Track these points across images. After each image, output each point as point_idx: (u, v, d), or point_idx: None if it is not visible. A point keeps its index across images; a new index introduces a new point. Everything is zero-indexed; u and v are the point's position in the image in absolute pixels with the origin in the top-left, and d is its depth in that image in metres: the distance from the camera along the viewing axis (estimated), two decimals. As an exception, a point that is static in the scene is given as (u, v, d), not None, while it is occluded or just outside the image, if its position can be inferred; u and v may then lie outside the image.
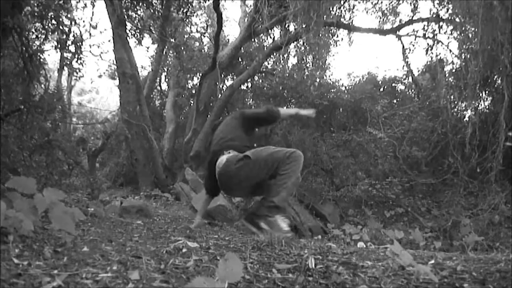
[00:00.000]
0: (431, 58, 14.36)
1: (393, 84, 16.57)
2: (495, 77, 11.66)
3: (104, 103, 36.90)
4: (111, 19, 13.07)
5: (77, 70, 14.64)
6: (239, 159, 4.28)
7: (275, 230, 3.89)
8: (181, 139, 16.77)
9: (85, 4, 15.91)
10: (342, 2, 15.03)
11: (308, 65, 18.34)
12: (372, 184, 10.81)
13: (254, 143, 4.81)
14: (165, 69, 20.88)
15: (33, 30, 11.29)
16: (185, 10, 15.69)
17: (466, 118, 12.16)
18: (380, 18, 17.13)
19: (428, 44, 14.26)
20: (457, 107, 12.56)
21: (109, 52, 21.34)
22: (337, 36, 17.61)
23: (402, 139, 11.77)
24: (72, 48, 13.55)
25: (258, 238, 3.31)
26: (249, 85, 19.32)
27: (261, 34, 16.89)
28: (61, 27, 11.35)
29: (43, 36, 11.70)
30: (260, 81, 19.24)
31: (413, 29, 15.31)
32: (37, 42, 11.74)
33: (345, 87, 16.50)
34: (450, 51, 13.62)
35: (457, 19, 12.13)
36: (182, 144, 15.27)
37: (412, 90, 16.56)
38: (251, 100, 19.97)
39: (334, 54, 19.78)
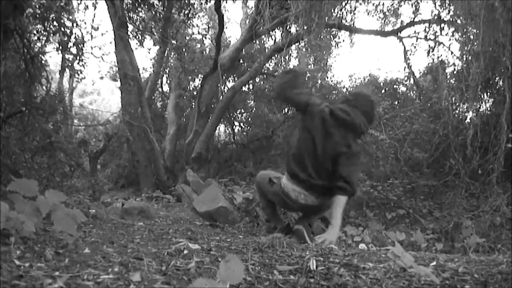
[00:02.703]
0: (433, 60, 14.35)
1: (395, 86, 16.59)
2: (497, 79, 11.67)
3: (105, 105, 36.93)
4: (113, 20, 13.08)
5: (79, 72, 14.68)
6: None
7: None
8: (182, 141, 16.79)
9: (87, 6, 15.90)
10: (343, 4, 15.03)
11: (309, 66, 18.35)
12: (373, 186, 10.80)
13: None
14: (167, 71, 20.90)
15: (35, 32, 11.29)
16: (186, 12, 15.70)
17: (468, 120, 12.14)
18: (382, 19, 17.13)
19: (429, 45, 14.26)
20: (458, 108, 12.56)
21: (111, 53, 21.39)
22: (339, 38, 17.62)
23: (404, 140, 11.77)
24: (73, 50, 13.58)
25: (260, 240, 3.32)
26: (251, 86, 19.37)
27: (263, 36, 16.92)
28: (62, 29, 11.36)
29: (45, 38, 11.71)
30: (262, 82, 19.30)
31: (415, 31, 15.33)
32: (39, 44, 11.75)
33: (347, 89, 16.52)
34: (452, 52, 13.61)
35: (459, 21, 12.12)
36: (183, 145, 15.28)
37: (414, 92, 16.57)
38: (252, 101, 20.01)
39: (335, 55, 19.81)
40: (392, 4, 16.59)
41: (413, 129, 12.12)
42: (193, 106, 17.45)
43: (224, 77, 17.14)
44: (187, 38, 18.20)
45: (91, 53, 25.15)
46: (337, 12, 14.73)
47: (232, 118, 20.03)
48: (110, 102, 37.88)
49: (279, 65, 19.12)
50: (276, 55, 17.23)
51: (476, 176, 10.62)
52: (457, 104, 12.41)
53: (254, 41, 16.96)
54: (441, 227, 9.29)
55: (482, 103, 12.30)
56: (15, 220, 2.13)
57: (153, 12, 15.04)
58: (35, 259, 2.00)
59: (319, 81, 17.59)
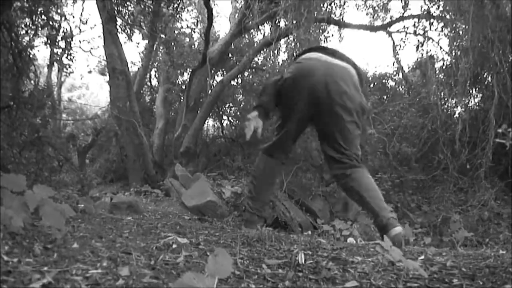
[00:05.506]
0: (422, 55, 14.39)
1: (383, 80, 16.59)
2: (485, 74, 11.71)
3: (94, 99, 36.77)
4: (101, 14, 13.00)
5: (67, 66, 14.64)
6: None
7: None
8: (171, 135, 16.76)
9: (75, -1, 15.85)
10: (332, -2, 15.03)
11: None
12: (362, 180, 10.79)
13: None
14: (155, 65, 20.85)
15: (23, 25, 11.24)
16: (175, 6, 15.65)
17: (456, 115, 12.20)
18: (371, 14, 17.13)
19: (418, 40, 14.30)
20: (447, 103, 12.60)
21: (99, 47, 21.29)
22: (328, 32, 17.56)
23: (392, 135, 11.79)
24: (62, 43, 13.55)
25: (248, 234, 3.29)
26: (239, 81, 19.34)
27: (252, 30, 16.88)
28: (51, 23, 11.32)
29: (33, 32, 11.67)
30: (250, 77, 19.26)
31: (404, 26, 15.41)
32: (27, 38, 11.71)
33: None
34: (441, 48, 13.68)
35: (448, 16, 12.18)
36: (172, 140, 15.25)
37: (403, 87, 16.59)
38: (241, 96, 19.98)
39: (324, 50, 19.73)
40: (382, -1, 16.62)
41: (401, 123, 12.14)
42: (182, 100, 17.42)
43: (212, 71, 17.10)
44: (175, 32, 18.15)
45: (80, 47, 25.01)
46: (326, 6, 14.74)
47: (221, 112, 19.98)
48: (98, 96, 37.76)
49: (268, 59, 19.11)
50: (265, 49, 17.20)
51: (465, 170, 10.67)
52: (446, 99, 12.45)
53: (243, 35, 16.93)
54: (430, 221, 9.34)
55: (470, 98, 12.36)
56: (3, 215, 2.11)
57: (142, 6, 14.98)
58: (24, 255, 1.99)
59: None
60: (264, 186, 4.49)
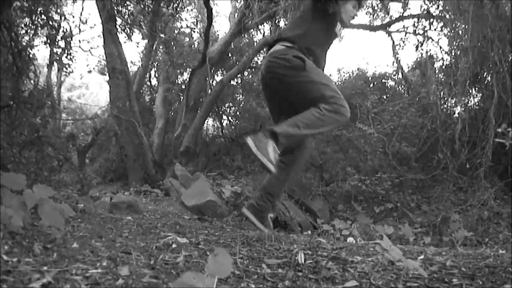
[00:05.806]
0: (421, 55, 14.40)
1: (383, 80, 16.59)
2: (485, 74, 11.71)
3: (94, 98, 36.73)
4: (101, 14, 13.01)
5: (67, 66, 14.61)
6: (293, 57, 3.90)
7: (259, 149, 3.50)
8: (171, 135, 16.77)
9: (75, -1, 15.83)
10: (332, -2, 15.01)
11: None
12: (361, 180, 10.80)
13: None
14: (155, 65, 20.85)
15: (22, 25, 11.23)
16: (175, 6, 15.63)
17: (456, 115, 12.21)
18: (371, 14, 17.13)
19: (418, 40, 14.32)
20: (447, 103, 12.61)
21: (99, 47, 21.30)
22: (327, 32, 17.57)
23: (392, 135, 11.79)
24: (61, 43, 13.52)
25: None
26: (239, 80, 19.32)
27: (251, 30, 16.88)
28: (50, 22, 11.32)
29: (33, 32, 11.66)
30: (250, 76, 19.23)
31: (404, 26, 15.42)
32: (27, 38, 11.69)
33: (335, 83, 16.51)
34: (440, 47, 13.69)
35: (448, 16, 12.18)
36: (172, 139, 15.26)
37: (402, 86, 16.60)
38: (241, 95, 19.96)
39: (323, 50, 19.69)
40: (381, -1, 16.62)
41: (401, 123, 12.15)
42: (182, 100, 17.44)
43: (212, 71, 17.11)
44: (175, 31, 18.15)
45: (79, 46, 24.99)
46: (326, 6, 14.74)
47: (221, 112, 19.96)
48: (98, 96, 37.74)
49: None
50: (265, 49, 17.19)
51: (464, 170, 10.67)
52: (446, 98, 12.46)
53: (242, 35, 16.93)
54: (429, 221, 9.34)
55: (470, 98, 12.37)
56: (3, 215, 2.11)
57: (142, 6, 14.96)
58: (23, 254, 1.99)
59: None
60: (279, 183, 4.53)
